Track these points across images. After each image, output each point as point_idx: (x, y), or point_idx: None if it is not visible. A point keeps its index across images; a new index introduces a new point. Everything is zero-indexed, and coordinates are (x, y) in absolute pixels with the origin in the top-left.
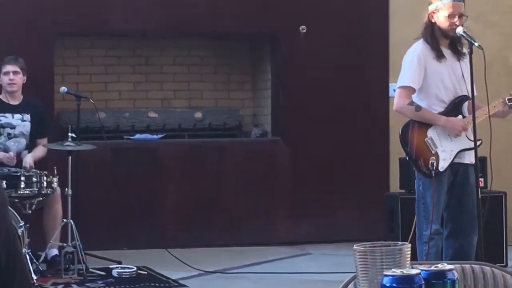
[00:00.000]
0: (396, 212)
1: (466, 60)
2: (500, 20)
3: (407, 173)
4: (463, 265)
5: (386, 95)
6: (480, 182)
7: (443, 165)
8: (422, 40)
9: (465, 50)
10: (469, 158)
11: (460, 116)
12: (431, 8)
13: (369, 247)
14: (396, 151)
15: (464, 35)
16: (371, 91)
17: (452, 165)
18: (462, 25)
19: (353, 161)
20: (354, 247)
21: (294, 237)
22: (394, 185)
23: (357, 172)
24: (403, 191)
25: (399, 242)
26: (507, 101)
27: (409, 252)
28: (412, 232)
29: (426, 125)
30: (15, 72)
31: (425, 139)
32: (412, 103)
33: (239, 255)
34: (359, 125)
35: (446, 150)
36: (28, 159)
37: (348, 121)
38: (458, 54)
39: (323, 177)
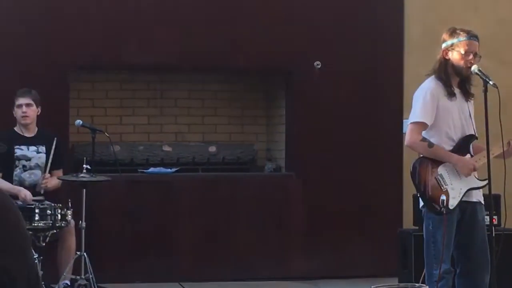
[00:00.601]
0: (409, 248)
1: (472, 101)
2: None
3: (421, 209)
4: None
5: (399, 131)
6: (494, 220)
7: (452, 203)
8: (433, 77)
9: (472, 90)
10: (477, 197)
11: (468, 155)
12: (445, 45)
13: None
14: (410, 187)
15: (479, 73)
16: (385, 127)
17: (460, 203)
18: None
19: (366, 196)
20: (372, 287)
21: (306, 272)
22: (408, 221)
23: (371, 208)
24: (417, 227)
25: (417, 284)
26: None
27: None
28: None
29: (436, 162)
30: (28, 105)
31: (436, 176)
32: (425, 139)
33: None
34: (373, 161)
35: (455, 188)
36: (52, 181)
37: (361, 156)
38: (467, 95)
39: (336, 212)
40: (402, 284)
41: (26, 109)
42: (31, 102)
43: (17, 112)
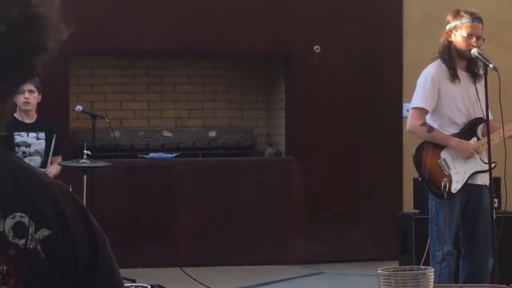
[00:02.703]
0: (410, 232)
1: (481, 82)
2: None
3: (421, 193)
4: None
5: (399, 115)
6: (494, 203)
7: (455, 187)
8: (438, 60)
9: (481, 71)
10: (482, 180)
11: (474, 139)
12: (449, 26)
13: (393, 271)
14: (410, 171)
15: (479, 56)
16: (385, 111)
17: (466, 186)
18: (478, 47)
19: (366, 180)
20: (378, 270)
21: (307, 256)
22: (408, 205)
23: (371, 192)
24: (417, 211)
25: (423, 267)
26: None
27: (433, 276)
28: (426, 253)
29: (439, 146)
30: (30, 91)
31: (438, 161)
32: (424, 124)
33: (252, 274)
34: (373, 145)
35: (459, 172)
36: (52, 171)
37: (361, 141)
38: (474, 76)
39: (337, 196)
40: (408, 266)
41: (29, 95)
42: (34, 88)
43: (19, 98)
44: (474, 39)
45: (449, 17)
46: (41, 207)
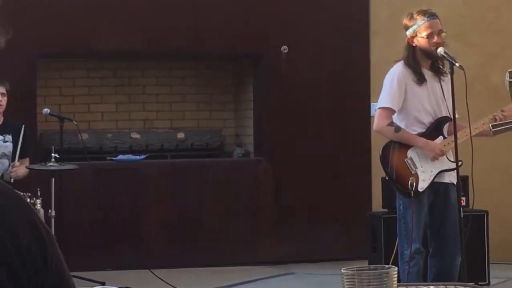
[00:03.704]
0: (379, 231)
1: (446, 80)
2: (480, 39)
3: (389, 192)
4: (447, 285)
5: (367, 115)
6: (462, 201)
7: (422, 185)
8: (402, 61)
9: (447, 69)
10: (449, 178)
11: (440, 137)
12: (409, 32)
13: (357, 270)
14: (378, 171)
15: (446, 55)
16: (353, 111)
17: (432, 184)
18: (444, 43)
19: (335, 180)
20: (342, 270)
21: (277, 256)
22: (377, 205)
23: (340, 191)
24: (386, 210)
25: (386, 266)
26: (491, 127)
27: (396, 275)
28: (395, 251)
29: (406, 145)
30: (2, 94)
31: (405, 160)
32: (391, 123)
33: (223, 275)
34: (341, 145)
35: (426, 171)
36: (21, 169)
37: (329, 140)
38: (439, 74)
39: (306, 196)
40: (372, 266)
41: (1, 98)
42: (5, 91)
43: None
44: (435, 36)
45: (405, 22)
46: None
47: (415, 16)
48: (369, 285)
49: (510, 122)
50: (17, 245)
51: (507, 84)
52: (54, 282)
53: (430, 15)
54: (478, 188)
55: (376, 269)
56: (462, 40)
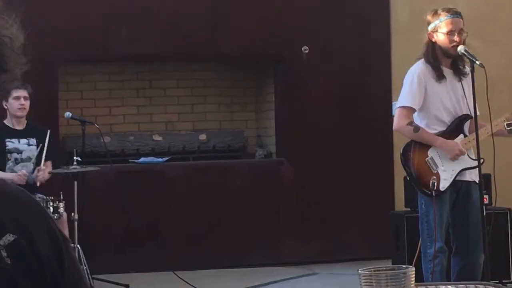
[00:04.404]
0: (401, 230)
1: (467, 79)
2: (502, 37)
3: (412, 191)
4: (467, 285)
5: (389, 114)
6: (484, 199)
7: (444, 184)
8: (423, 60)
9: (467, 68)
10: (470, 176)
11: (461, 136)
12: (430, 28)
13: (374, 271)
14: (401, 170)
15: (466, 53)
16: (374, 110)
17: (454, 183)
18: (464, 42)
19: (358, 180)
20: (359, 271)
21: (300, 257)
22: (399, 204)
23: (362, 191)
24: (408, 209)
25: (403, 266)
26: (506, 126)
27: (414, 275)
28: (418, 251)
29: (427, 145)
30: (25, 98)
31: (426, 159)
32: (411, 123)
33: (246, 276)
34: (363, 144)
35: (447, 170)
36: (43, 173)
37: (351, 140)
38: (460, 74)
39: (328, 196)
40: (389, 266)
41: (24, 102)
42: (27, 95)
43: (13, 104)
44: (456, 34)
45: (428, 18)
46: (1, 212)
47: (439, 12)
48: (387, 285)
49: None
50: (37, 255)
51: None
52: (71, 283)
53: (454, 13)
54: (501, 186)
55: (393, 269)
56: (484, 39)
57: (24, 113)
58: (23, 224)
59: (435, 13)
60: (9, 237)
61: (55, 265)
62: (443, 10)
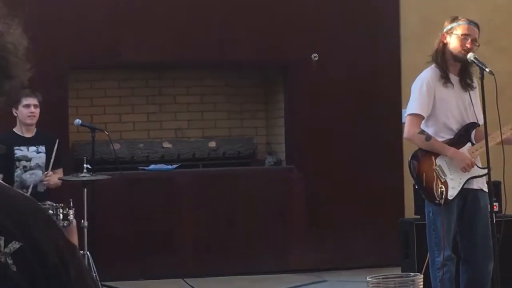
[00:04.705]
0: (411, 238)
1: (474, 91)
2: (511, 44)
3: (421, 199)
4: None
5: (398, 121)
6: (494, 207)
7: (452, 193)
8: (432, 65)
9: (475, 82)
10: (478, 184)
11: (469, 144)
12: (445, 29)
13: (383, 278)
14: (410, 177)
15: (475, 61)
16: (384, 118)
17: (461, 191)
18: (473, 51)
19: (367, 187)
20: (367, 278)
21: (310, 264)
22: (409, 211)
23: (372, 198)
24: (418, 216)
25: (412, 273)
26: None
27: (422, 283)
28: (427, 258)
29: (434, 153)
30: (35, 106)
31: (434, 167)
32: (422, 131)
33: (255, 283)
34: (373, 152)
35: (455, 179)
36: (51, 179)
37: (361, 147)
38: (467, 86)
39: (338, 204)
40: (397, 274)
41: (34, 110)
42: (37, 103)
43: (23, 112)
44: (469, 40)
45: (446, 22)
46: (7, 220)
47: (459, 17)
48: None
49: None
50: (43, 262)
51: None
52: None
53: (473, 22)
54: (511, 193)
55: (401, 277)
56: (493, 46)
57: (34, 120)
58: (29, 232)
59: (455, 18)
60: (15, 245)
61: (61, 273)
62: (464, 18)
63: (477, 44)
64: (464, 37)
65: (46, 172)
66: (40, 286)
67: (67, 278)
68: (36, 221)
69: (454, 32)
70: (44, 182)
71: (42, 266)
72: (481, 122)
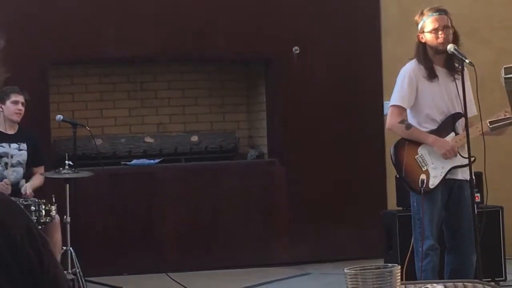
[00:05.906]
0: (394, 229)
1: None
2: (492, 35)
3: (404, 190)
4: (455, 283)
5: (380, 113)
6: (476, 198)
7: (433, 182)
8: (415, 59)
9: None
10: (462, 174)
11: (452, 134)
12: (418, 28)
13: (360, 270)
14: (393, 169)
15: (455, 52)
16: (366, 110)
17: (445, 181)
18: (457, 37)
19: (350, 179)
20: (345, 270)
21: (293, 257)
22: (392, 203)
23: (354, 191)
24: (400, 208)
25: (389, 264)
26: (488, 124)
27: (399, 274)
28: (410, 249)
29: (417, 142)
30: (23, 104)
31: (416, 157)
32: (403, 121)
33: (239, 277)
34: (355, 144)
35: (437, 167)
36: (28, 188)
37: (343, 140)
38: (453, 71)
39: (320, 196)
40: (375, 265)
41: (22, 107)
42: (24, 101)
43: (10, 108)
44: (440, 31)
45: (415, 19)
46: None
47: (424, 11)
48: (373, 284)
49: (508, 118)
50: (15, 252)
51: (503, 80)
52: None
53: (436, 10)
54: (492, 184)
55: (379, 268)
56: (474, 37)
57: (20, 118)
58: (2, 224)
59: (421, 14)
60: None
61: (35, 264)
62: (428, 9)
63: (451, 28)
64: (434, 31)
65: (26, 194)
66: (12, 277)
67: (40, 269)
68: (9, 214)
69: (425, 30)
70: (27, 195)
71: (15, 258)
72: (470, 112)
